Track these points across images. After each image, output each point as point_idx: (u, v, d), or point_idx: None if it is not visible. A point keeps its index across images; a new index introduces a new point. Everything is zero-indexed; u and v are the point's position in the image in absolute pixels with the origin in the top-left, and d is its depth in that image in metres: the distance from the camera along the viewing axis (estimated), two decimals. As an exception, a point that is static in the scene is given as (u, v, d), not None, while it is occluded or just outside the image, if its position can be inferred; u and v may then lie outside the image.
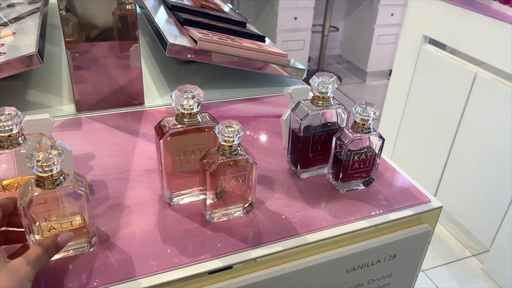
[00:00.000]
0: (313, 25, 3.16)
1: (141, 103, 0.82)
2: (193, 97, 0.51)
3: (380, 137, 0.59)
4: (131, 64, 0.80)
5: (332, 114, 0.61)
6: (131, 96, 0.81)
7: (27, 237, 0.46)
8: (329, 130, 0.61)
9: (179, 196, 0.57)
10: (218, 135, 0.49)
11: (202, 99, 0.52)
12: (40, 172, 0.42)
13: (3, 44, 0.76)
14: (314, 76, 0.58)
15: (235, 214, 0.55)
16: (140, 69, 0.80)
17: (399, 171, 0.67)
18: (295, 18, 2.99)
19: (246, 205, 0.56)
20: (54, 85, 0.88)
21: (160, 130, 0.53)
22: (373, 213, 0.57)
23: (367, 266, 0.57)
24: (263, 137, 0.74)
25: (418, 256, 0.62)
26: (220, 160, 0.50)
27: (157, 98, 0.86)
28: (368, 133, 0.57)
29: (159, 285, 0.46)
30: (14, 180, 0.48)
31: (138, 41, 0.78)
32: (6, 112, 0.45)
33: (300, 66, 0.92)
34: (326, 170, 0.64)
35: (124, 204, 0.56)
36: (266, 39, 1.02)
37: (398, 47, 1.93)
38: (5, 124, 0.45)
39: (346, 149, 0.57)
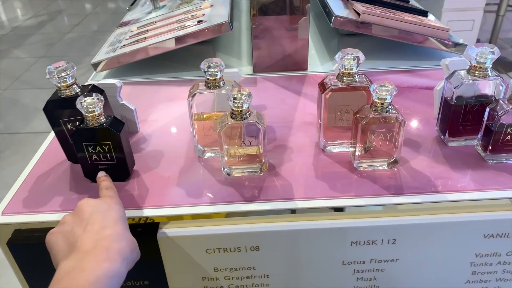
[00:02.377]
0: (487, 4, 2.86)
1: (305, 68, 0.94)
2: (353, 59, 0.59)
3: (539, 112, 0.58)
4: (299, 35, 0.91)
5: (490, 86, 0.63)
6: (297, 63, 0.94)
7: (220, 158, 0.62)
8: (484, 101, 0.63)
9: (331, 145, 0.67)
10: (372, 93, 0.57)
11: (361, 61, 0.60)
12: (235, 107, 0.57)
13: (203, 14, 0.95)
14: (473, 45, 0.61)
15: (380, 167, 0.63)
16: (307, 40, 0.91)
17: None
18: (466, -4, 2.75)
19: (391, 160, 0.63)
20: (235, 50, 1.06)
21: (322, 87, 0.64)
22: (520, 185, 0.58)
23: (508, 236, 0.59)
24: (414, 106, 0.78)
25: None
26: (372, 115, 0.58)
27: (318, 65, 0.96)
28: (525, 106, 0.58)
29: (311, 208, 0.57)
30: (213, 114, 0.64)
31: (307, 14, 0.89)
32: (216, 62, 0.61)
33: (461, 41, 0.92)
34: (475, 141, 0.66)
35: (287, 146, 0.69)
36: (430, 14, 1.03)
37: None
38: (212, 70, 0.61)
39: (499, 120, 0.59)
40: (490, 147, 0.62)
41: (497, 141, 0.61)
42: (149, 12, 1.13)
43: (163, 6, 1.14)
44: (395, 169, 0.63)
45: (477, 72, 0.61)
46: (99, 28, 3.81)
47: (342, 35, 1.10)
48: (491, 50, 0.59)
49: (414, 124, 0.73)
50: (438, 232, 0.57)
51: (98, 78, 0.93)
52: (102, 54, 0.94)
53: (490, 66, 0.61)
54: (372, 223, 0.56)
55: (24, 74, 2.97)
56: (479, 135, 0.64)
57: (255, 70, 0.93)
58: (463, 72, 0.63)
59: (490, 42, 3.08)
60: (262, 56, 0.92)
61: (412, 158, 0.65)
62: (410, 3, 1.11)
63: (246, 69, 0.96)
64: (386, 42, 0.95)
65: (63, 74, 0.60)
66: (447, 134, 0.66)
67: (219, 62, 0.61)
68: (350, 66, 0.60)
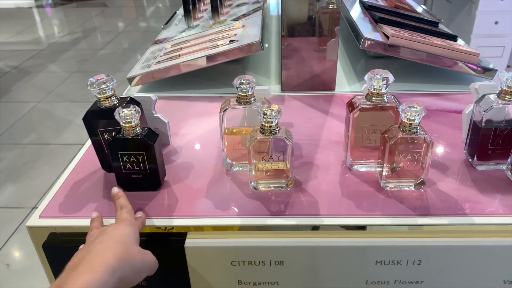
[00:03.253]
0: (519, 31, 2.82)
1: (332, 88, 0.95)
2: (382, 79, 0.61)
3: None
4: (327, 56, 0.93)
5: (521, 112, 0.63)
6: (324, 83, 0.95)
7: (248, 172, 0.63)
8: (514, 125, 0.63)
9: (358, 164, 0.68)
10: (401, 113, 0.58)
11: (390, 82, 0.61)
12: (264, 122, 0.58)
13: (235, 34, 0.99)
14: (504, 70, 0.61)
15: (406, 188, 0.63)
16: (335, 61, 0.93)
17: None
18: (496, 23, 2.73)
19: (418, 181, 0.63)
20: (263, 69, 1.09)
21: (351, 106, 0.65)
22: (551, 212, 0.58)
23: (536, 262, 0.58)
24: (442, 129, 0.79)
25: None
26: (400, 135, 0.59)
27: (346, 86, 0.98)
28: (557, 131, 0.58)
29: (336, 225, 0.58)
30: (243, 129, 0.66)
31: (336, 37, 0.91)
32: (248, 79, 0.63)
33: (492, 66, 0.92)
34: (505, 166, 0.66)
35: (313, 163, 0.70)
36: (459, 39, 1.03)
37: None
38: (244, 87, 0.63)
39: (529, 145, 0.59)
40: (521, 172, 0.61)
41: (527, 166, 0.60)
42: (183, 31, 1.17)
43: (197, 25, 1.19)
44: (422, 190, 0.63)
45: (507, 96, 0.61)
46: (130, 46, 3.94)
47: (369, 57, 1.11)
48: (522, 74, 0.60)
49: (442, 146, 0.73)
50: (464, 255, 0.56)
51: (132, 93, 0.97)
52: (137, 69, 0.99)
53: (521, 90, 0.61)
54: (398, 243, 0.56)
55: (58, 88, 3.09)
56: (509, 160, 0.63)
57: (283, 89, 0.95)
58: (493, 96, 0.63)
59: (520, 69, 3.04)
60: (290, 75, 0.94)
61: (439, 180, 0.65)
62: (439, 27, 1.11)
63: (274, 88, 0.98)
64: (414, 65, 0.96)
65: (103, 86, 0.63)
66: (475, 157, 0.66)
67: (251, 79, 0.64)
68: (379, 87, 0.62)
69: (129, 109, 0.60)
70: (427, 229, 0.58)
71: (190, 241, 0.58)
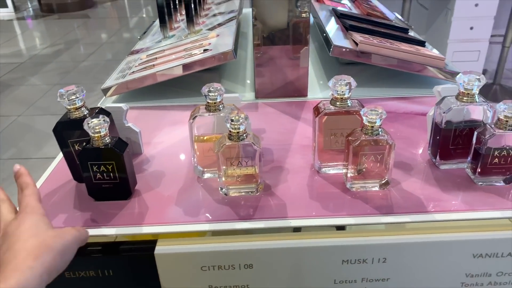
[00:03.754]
0: (493, 36, 2.91)
1: (305, 95, 0.97)
2: (345, 85, 0.63)
3: (526, 136, 0.60)
4: (300, 64, 0.96)
5: (479, 112, 0.65)
6: (297, 89, 0.97)
7: (218, 179, 0.64)
8: (472, 125, 0.65)
9: (326, 167, 0.70)
10: (363, 116, 0.60)
11: (353, 87, 0.63)
12: (232, 128, 0.60)
13: (209, 43, 1.00)
14: (460, 73, 0.64)
15: (372, 188, 0.65)
16: (307, 68, 0.95)
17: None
18: (471, 28, 2.80)
19: (383, 182, 0.65)
20: (239, 77, 1.11)
21: (317, 111, 0.67)
22: (509, 207, 0.60)
23: (497, 256, 0.60)
24: (409, 131, 0.81)
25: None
26: (363, 137, 0.61)
27: (318, 92, 1.00)
28: (511, 130, 0.60)
29: (304, 226, 0.59)
30: (213, 136, 0.68)
31: (308, 44, 0.93)
32: (216, 87, 0.64)
33: (457, 70, 0.95)
34: (466, 164, 0.68)
35: (283, 167, 0.71)
36: (427, 44, 1.07)
37: None
38: (212, 94, 0.64)
39: (486, 144, 0.61)
40: (479, 170, 0.63)
41: (485, 164, 0.63)
42: (159, 41, 1.18)
43: (173, 35, 1.20)
44: (387, 190, 0.65)
45: (465, 98, 0.64)
46: (113, 56, 3.94)
47: (342, 64, 1.14)
48: (477, 77, 0.62)
49: (408, 148, 0.76)
50: (428, 251, 0.58)
51: (108, 103, 0.97)
52: (112, 80, 0.99)
53: (477, 92, 0.63)
54: (363, 241, 0.57)
55: (39, 100, 3.07)
56: (469, 158, 0.66)
57: (257, 96, 0.97)
58: (452, 98, 0.65)
59: (496, 73, 3.12)
60: (264, 83, 0.96)
61: (404, 180, 0.67)
62: (408, 33, 1.15)
63: (249, 95, 0.99)
64: (386, 70, 0.99)
65: (73, 97, 0.64)
66: (438, 157, 0.68)
67: (219, 87, 0.65)
68: (342, 92, 0.64)
69: (98, 119, 0.61)
70: (391, 227, 0.59)
71: (160, 248, 0.58)
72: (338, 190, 0.65)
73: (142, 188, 0.68)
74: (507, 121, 0.60)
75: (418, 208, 0.61)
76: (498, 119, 0.61)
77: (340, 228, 0.61)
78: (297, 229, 0.60)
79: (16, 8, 5.53)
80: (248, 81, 1.08)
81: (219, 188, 0.66)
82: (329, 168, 0.70)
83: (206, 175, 0.70)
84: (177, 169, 0.72)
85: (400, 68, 0.97)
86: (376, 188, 0.65)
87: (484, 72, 3.37)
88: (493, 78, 3.16)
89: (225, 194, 0.65)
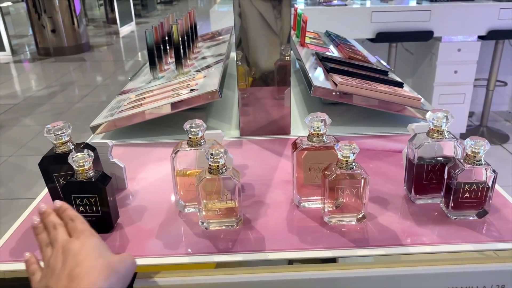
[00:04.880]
0: (477, 79, 3.02)
1: (288, 133, 1.00)
2: (321, 121, 0.66)
3: (493, 171, 0.63)
4: (284, 104, 1.00)
5: (450, 148, 0.68)
6: (281, 127, 1.01)
7: (198, 213, 0.66)
8: (444, 161, 0.68)
9: (306, 201, 0.72)
10: (337, 151, 0.63)
11: (328, 124, 0.66)
12: (212, 162, 0.62)
13: (196, 84, 1.04)
14: (429, 111, 0.67)
15: (349, 222, 0.67)
16: (289, 108, 0.99)
17: (519, 209, 0.68)
18: (455, 72, 2.91)
19: (359, 216, 0.67)
20: (226, 116, 1.14)
21: (295, 146, 0.69)
22: (481, 240, 0.61)
23: (471, 289, 0.61)
24: (386, 167, 0.84)
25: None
26: (338, 171, 0.63)
27: (301, 130, 1.03)
28: (479, 165, 0.63)
29: (281, 259, 0.60)
30: (195, 171, 0.70)
31: (290, 86, 0.97)
32: (198, 123, 0.67)
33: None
34: (440, 199, 0.70)
35: (264, 202, 0.73)
36: (405, 85, 1.12)
37: None
38: (194, 130, 0.67)
39: (456, 179, 0.64)
40: (452, 204, 0.66)
41: (457, 198, 0.65)
42: (149, 82, 1.23)
43: (162, 76, 1.25)
44: (364, 223, 0.66)
45: (435, 135, 0.67)
46: (108, 98, 4.01)
47: (326, 104, 1.19)
48: (445, 115, 0.66)
49: (385, 183, 0.78)
50: (402, 284, 0.59)
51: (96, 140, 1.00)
52: (101, 118, 1.02)
53: (446, 129, 0.67)
54: (340, 274, 0.58)
55: (31, 141, 3.09)
56: (442, 193, 0.68)
57: (241, 134, 1.00)
58: (423, 135, 0.69)
59: (482, 115, 3.21)
60: (248, 121, 0.99)
61: (380, 214, 0.69)
62: (388, 75, 1.20)
63: (234, 133, 1.02)
64: (367, 110, 1.03)
65: (59, 132, 0.66)
66: (413, 192, 0.71)
67: (200, 123, 0.68)
68: (318, 128, 0.67)
69: (83, 153, 0.63)
70: (367, 260, 0.61)
71: (140, 281, 0.59)
72: (316, 224, 0.67)
73: (124, 221, 0.69)
74: (474, 156, 0.63)
75: (393, 241, 0.62)
76: (466, 154, 0.64)
77: (331, 261, 0.61)
78: (290, 262, 0.61)
79: (13, 52, 5.67)
80: (234, 120, 1.11)
81: (200, 222, 0.67)
82: (308, 203, 0.71)
83: (188, 209, 0.71)
84: (160, 203, 0.74)
85: (379, 108, 1.01)
86: (354, 222, 0.67)
87: (471, 114, 3.46)
88: (480, 120, 3.25)
89: (206, 228, 0.67)
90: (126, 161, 0.78)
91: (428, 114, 0.67)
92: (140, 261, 0.60)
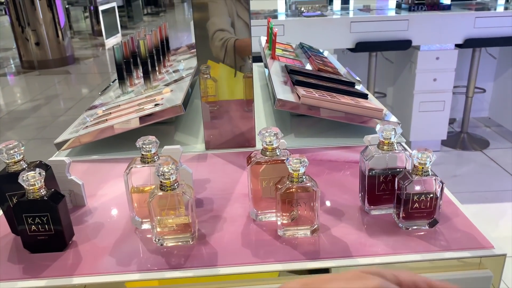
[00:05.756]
0: (456, 86, 3.06)
1: (253, 145, 1.01)
2: (274, 135, 0.67)
3: (441, 181, 0.65)
4: (247, 116, 1.00)
5: (401, 160, 0.69)
6: (246, 140, 1.01)
7: (151, 230, 0.66)
8: (395, 172, 0.69)
9: (263, 215, 0.72)
10: (287, 165, 0.63)
11: (280, 137, 0.67)
12: (162, 179, 0.62)
13: (162, 98, 1.05)
14: (378, 124, 0.68)
15: (303, 234, 0.67)
16: (253, 120, 1.00)
17: (469, 218, 0.69)
18: (434, 80, 2.95)
19: (313, 228, 0.67)
20: (194, 130, 1.15)
21: (249, 160, 0.70)
22: (429, 250, 0.62)
23: (421, 299, 0.62)
24: (345, 179, 0.85)
25: (483, 303, 0.63)
26: (288, 185, 0.64)
27: (267, 143, 1.04)
28: (426, 176, 0.64)
29: (231, 274, 0.60)
30: (150, 187, 0.70)
31: (253, 99, 0.98)
32: (150, 139, 0.68)
33: (395, 120, 1.01)
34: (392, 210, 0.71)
35: (221, 216, 0.73)
36: (370, 96, 1.13)
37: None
38: (146, 146, 0.68)
39: (405, 190, 0.65)
40: (403, 214, 0.67)
41: (407, 209, 0.66)
42: (118, 97, 1.23)
43: (132, 91, 1.25)
44: (317, 235, 0.67)
45: (385, 147, 0.68)
46: (92, 111, 3.99)
47: (294, 116, 1.20)
48: (393, 128, 0.67)
49: (342, 195, 0.79)
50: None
51: (60, 157, 0.99)
52: (66, 134, 1.02)
53: (395, 141, 0.68)
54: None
55: (13, 155, 3.05)
56: (394, 204, 0.69)
57: (207, 147, 1.01)
58: (373, 147, 0.70)
59: (463, 121, 3.25)
60: (214, 135, 1.00)
61: (334, 225, 0.69)
62: (355, 86, 1.22)
63: (201, 146, 1.03)
64: (335, 122, 1.04)
65: (11, 151, 0.66)
66: (366, 202, 0.72)
67: (153, 139, 0.68)
68: (270, 142, 0.67)
69: (34, 172, 0.63)
70: (317, 272, 0.61)
71: (90, 300, 0.59)
72: (270, 237, 0.67)
73: (79, 239, 0.69)
74: (422, 167, 0.64)
75: (343, 253, 0.63)
76: (414, 166, 0.65)
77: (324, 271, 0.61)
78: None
79: (-2, 65, 5.63)
80: (202, 133, 1.12)
81: (154, 239, 0.67)
82: (265, 215, 0.72)
83: (145, 226, 0.71)
84: (117, 220, 0.74)
85: (344, 120, 1.02)
86: (308, 234, 0.67)
87: (453, 121, 3.51)
88: (461, 126, 3.29)
89: (161, 244, 0.67)
90: (89, 177, 0.79)
91: (378, 127, 0.69)
92: (90, 280, 0.60)
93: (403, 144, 0.89)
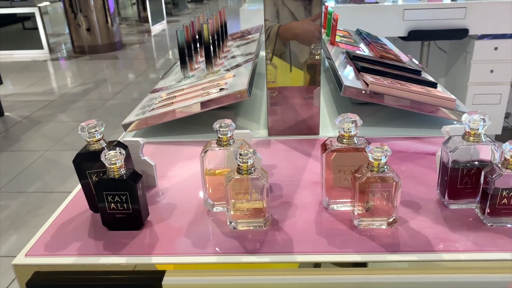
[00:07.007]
0: (514, 78, 2.89)
1: (317, 133, 0.99)
2: (352, 122, 0.65)
3: (534, 176, 0.60)
4: (313, 103, 0.99)
5: (487, 152, 0.66)
6: (310, 127, 1.00)
7: (226, 212, 0.66)
8: (480, 165, 0.65)
9: (335, 204, 0.71)
10: (368, 154, 0.61)
11: (359, 125, 0.65)
12: (240, 162, 0.62)
13: (226, 83, 1.05)
14: (466, 113, 0.65)
15: (379, 226, 0.65)
16: (318, 108, 0.98)
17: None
18: (491, 71, 2.80)
19: (390, 220, 0.65)
20: (254, 116, 1.14)
21: (324, 147, 0.69)
22: (519, 249, 0.59)
23: (508, 300, 0.59)
24: (418, 170, 0.81)
25: None
26: (369, 174, 0.62)
27: (330, 131, 1.02)
28: (518, 170, 0.60)
29: (309, 262, 0.60)
30: (223, 170, 0.70)
31: (319, 85, 0.96)
32: (227, 123, 0.67)
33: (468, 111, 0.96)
34: (475, 204, 0.68)
35: (292, 203, 0.73)
36: (439, 86, 1.08)
37: None
38: (223, 130, 0.67)
39: (494, 184, 0.61)
40: (488, 210, 0.63)
41: (494, 204, 0.62)
42: (179, 81, 1.24)
43: (192, 75, 1.26)
44: (394, 228, 0.65)
45: (471, 138, 0.65)
46: (139, 95, 4.09)
47: (355, 104, 1.17)
48: (483, 117, 0.63)
49: (417, 187, 0.76)
50: (435, 292, 0.57)
51: (128, 138, 1.02)
52: (133, 116, 1.04)
53: (483, 132, 0.64)
54: (370, 279, 0.57)
55: (66, 136, 3.19)
56: (478, 198, 0.65)
57: (270, 133, 1.00)
58: (458, 138, 0.66)
59: (519, 115, 3.07)
60: (276, 121, 0.99)
61: (412, 218, 0.67)
62: (421, 74, 1.17)
63: (262, 132, 1.02)
64: (399, 111, 1.00)
65: (93, 130, 0.68)
66: (446, 196, 0.68)
67: (229, 123, 0.68)
68: (348, 129, 0.65)
69: (115, 151, 0.64)
70: (399, 265, 0.59)
71: (168, 279, 0.59)
72: (345, 227, 0.66)
73: (154, 219, 0.70)
74: (514, 161, 0.60)
75: (425, 247, 0.60)
76: (505, 159, 0.61)
77: (362, 265, 0.60)
78: (317, 265, 0.60)
79: (51, 50, 5.88)
80: (263, 119, 1.11)
81: (228, 222, 0.67)
82: (337, 205, 0.70)
83: (216, 209, 0.71)
84: (189, 202, 0.74)
85: (412, 108, 0.98)
86: (384, 226, 0.65)
87: (508, 115, 3.33)
88: (517, 121, 3.12)
89: (234, 228, 0.67)
90: (156, 159, 0.80)
91: (464, 117, 0.65)
92: (169, 259, 0.61)
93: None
